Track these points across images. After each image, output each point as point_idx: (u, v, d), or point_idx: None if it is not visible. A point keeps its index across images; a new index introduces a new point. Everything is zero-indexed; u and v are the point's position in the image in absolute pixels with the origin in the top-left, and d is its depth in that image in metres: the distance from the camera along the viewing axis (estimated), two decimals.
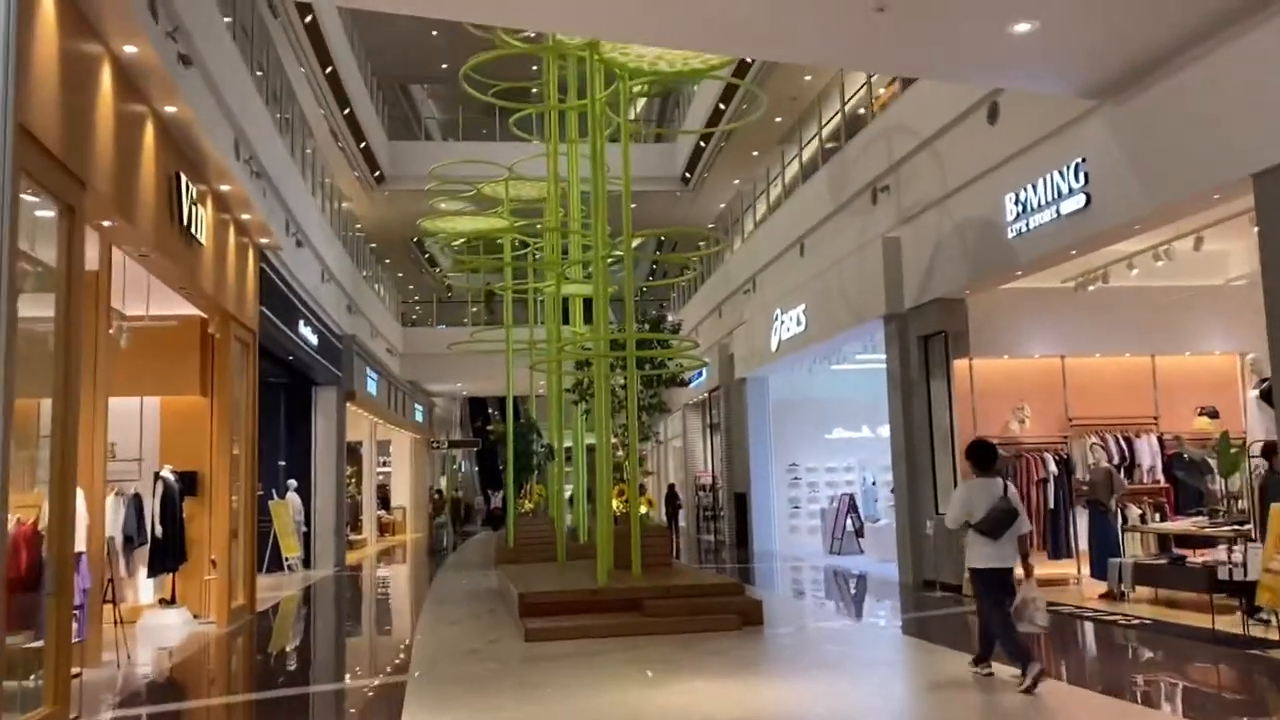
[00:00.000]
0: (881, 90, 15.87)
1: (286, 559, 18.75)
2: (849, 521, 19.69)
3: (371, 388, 24.87)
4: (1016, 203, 11.14)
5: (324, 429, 20.87)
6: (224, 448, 12.05)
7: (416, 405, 34.24)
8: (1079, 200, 10.04)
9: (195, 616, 11.71)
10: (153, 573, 11.58)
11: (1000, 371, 13.60)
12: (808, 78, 20.39)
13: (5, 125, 4.86)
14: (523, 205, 21.35)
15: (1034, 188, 10.80)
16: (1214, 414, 13.74)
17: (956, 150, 12.67)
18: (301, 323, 17.16)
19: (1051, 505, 13.24)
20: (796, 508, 22.18)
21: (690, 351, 12.99)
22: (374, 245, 31.46)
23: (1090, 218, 9.97)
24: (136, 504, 11.21)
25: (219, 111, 10.85)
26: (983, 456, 7.71)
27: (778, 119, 23.24)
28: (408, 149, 30.61)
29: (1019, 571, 7.48)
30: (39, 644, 6.47)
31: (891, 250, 14.20)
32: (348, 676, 9.70)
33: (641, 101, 32.46)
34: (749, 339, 21.50)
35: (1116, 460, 13.29)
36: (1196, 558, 11.08)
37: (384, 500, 33.64)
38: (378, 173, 28.42)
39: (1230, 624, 9.53)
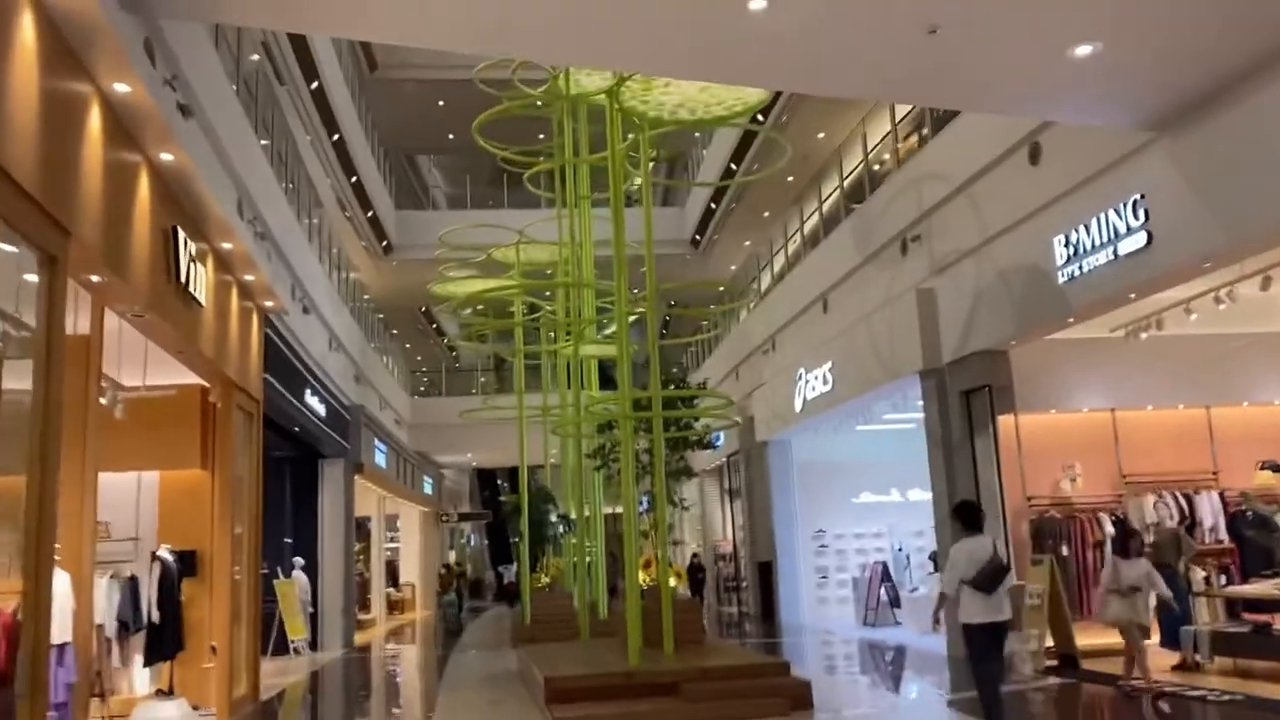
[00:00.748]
0: (901, 143, 15.37)
1: (293, 641, 17.81)
2: (883, 591, 18.72)
3: (380, 460, 24.09)
4: (1066, 245, 10.48)
5: (331, 503, 20.04)
6: (226, 525, 11.27)
7: (425, 477, 33.40)
8: (1139, 239, 9.38)
9: (195, 708, 10.80)
10: (149, 661, 10.71)
11: (1047, 427, 12.85)
12: (820, 135, 19.96)
13: None
14: (533, 269, 20.84)
15: (1086, 228, 10.14)
16: (1277, 468, 12.94)
17: (995, 194, 12.07)
18: (308, 392, 16.46)
19: None
20: (824, 577, 21.17)
21: (721, 408, 12.25)
22: (381, 315, 30.94)
23: (1153, 257, 9.30)
24: (132, 587, 10.39)
25: (220, 166, 10.29)
26: (970, 517, 8.13)
27: (790, 178, 22.81)
28: (415, 218, 30.27)
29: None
30: None
31: (926, 302, 13.52)
32: None
33: (650, 165, 32.28)
34: (770, 400, 20.74)
35: (1177, 519, 12.48)
36: (1277, 623, 10.24)
37: (393, 576, 32.62)
38: (385, 242, 28.01)
39: None
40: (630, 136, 12.99)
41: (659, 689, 9.72)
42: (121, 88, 6.69)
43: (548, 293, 20.65)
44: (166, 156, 7.79)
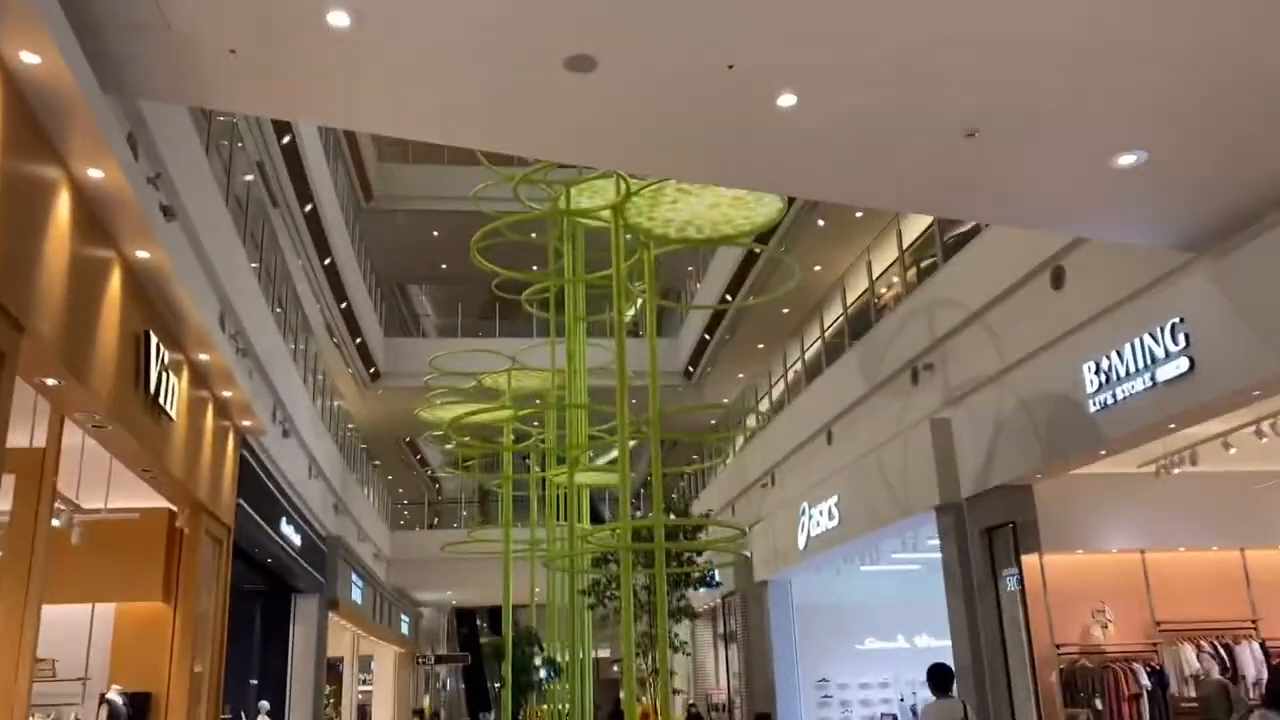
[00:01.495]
0: (909, 271, 15.03)
1: None
2: None
3: (356, 595, 22.87)
4: (1097, 373, 9.91)
5: (303, 641, 18.81)
6: (185, 664, 10.21)
7: (403, 616, 31.95)
8: (1180, 364, 8.80)
9: None
10: None
11: (1074, 568, 12.01)
12: (818, 268, 19.68)
13: None
14: (524, 396, 20.19)
15: (1119, 354, 9.58)
16: None
17: (1015, 320, 11.57)
18: (284, 520, 15.54)
19: None
20: None
21: (730, 540, 11.42)
22: (365, 445, 30.08)
23: (1195, 385, 8.70)
24: None
25: (203, 274, 9.70)
26: (941, 680, 8.50)
27: (785, 310, 22.48)
28: (404, 346, 29.79)
29: None
30: None
31: (942, 433, 12.87)
32: None
33: (640, 300, 32.15)
34: (770, 537, 19.82)
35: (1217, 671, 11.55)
36: None
37: None
38: (372, 369, 27.42)
39: None
40: (638, 254, 12.54)
41: None
42: (95, 173, 6.12)
43: (536, 422, 19.97)
44: (142, 254, 7.17)
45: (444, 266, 31.34)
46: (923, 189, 7.90)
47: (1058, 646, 11.67)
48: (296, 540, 16.53)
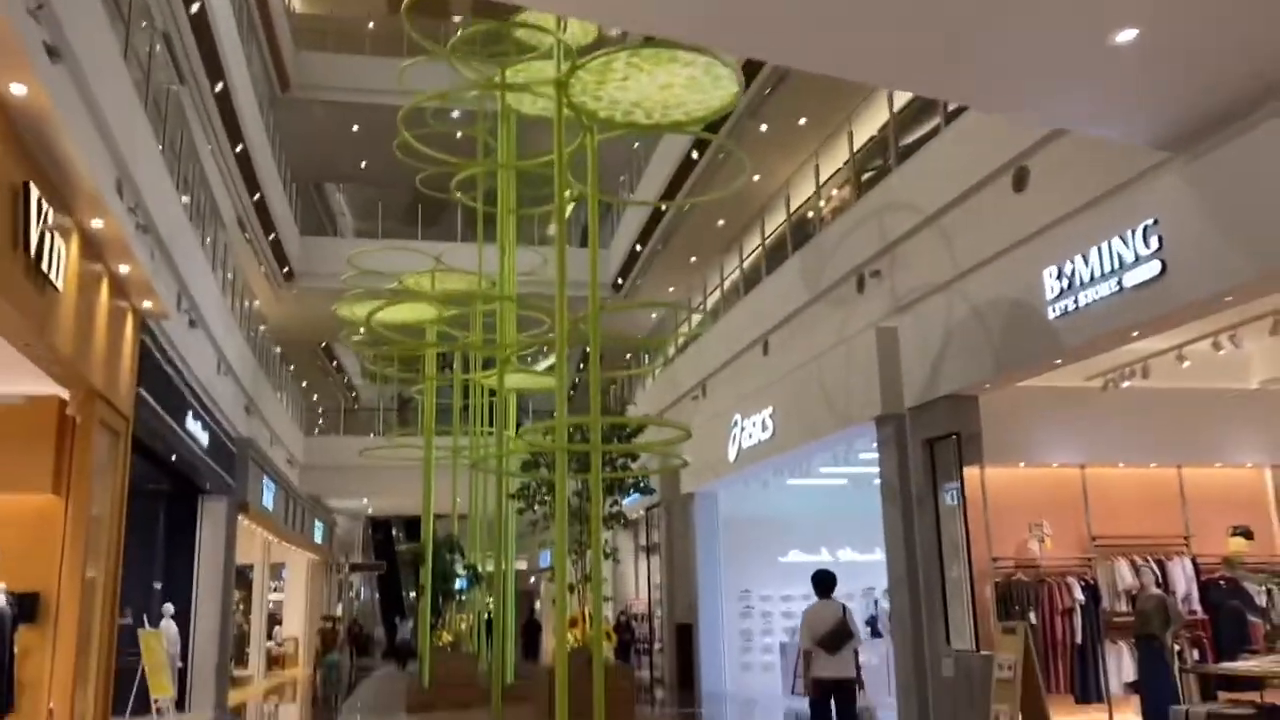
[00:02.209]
0: (846, 180, 14.48)
1: (155, 700, 15.63)
2: None
3: (268, 500, 22.01)
4: (1059, 277, 9.49)
5: (210, 545, 17.95)
6: (77, 563, 9.40)
7: (317, 522, 31.13)
8: (1151, 268, 8.41)
9: None
10: None
11: (1014, 482, 11.80)
12: (756, 178, 19.02)
13: None
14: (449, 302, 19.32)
15: (1084, 259, 9.16)
16: (1248, 534, 12.12)
17: (972, 225, 11.12)
18: (190, 416, 14.59)
19: (1079, 640, 11.32)
20: (749, 642, 19.79)
21: (672, 442, 10.90)
22: (279, 349, 28.87)
23: (1166, 289, 8.33)
24: None
25: (95, 132, 8.65)
26: (824, 584, 9.20)
27: (720, 222, 21.86)
28: (321, 245, 28.51)
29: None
30: None
31: (887, 341, 12.45)
32: None
33: (570, 206, 31.12)
34: (698, 449, 19.42)
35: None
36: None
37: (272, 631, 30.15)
38: (286, 268, 26.17)
39: None
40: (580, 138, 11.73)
41: None
42: None
43: (463, 327, 19.19)
44: (18, 88, 6.20)
45: (364, 165, 29.95)
46: (902, 61, 7.26)
47: (994, 560, 11.49)
48: (204, 439, 15.61)
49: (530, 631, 32.11)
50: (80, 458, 9.47)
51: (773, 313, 16.39)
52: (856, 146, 14.57)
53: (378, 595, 45.96)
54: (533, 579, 39.79)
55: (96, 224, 8.29)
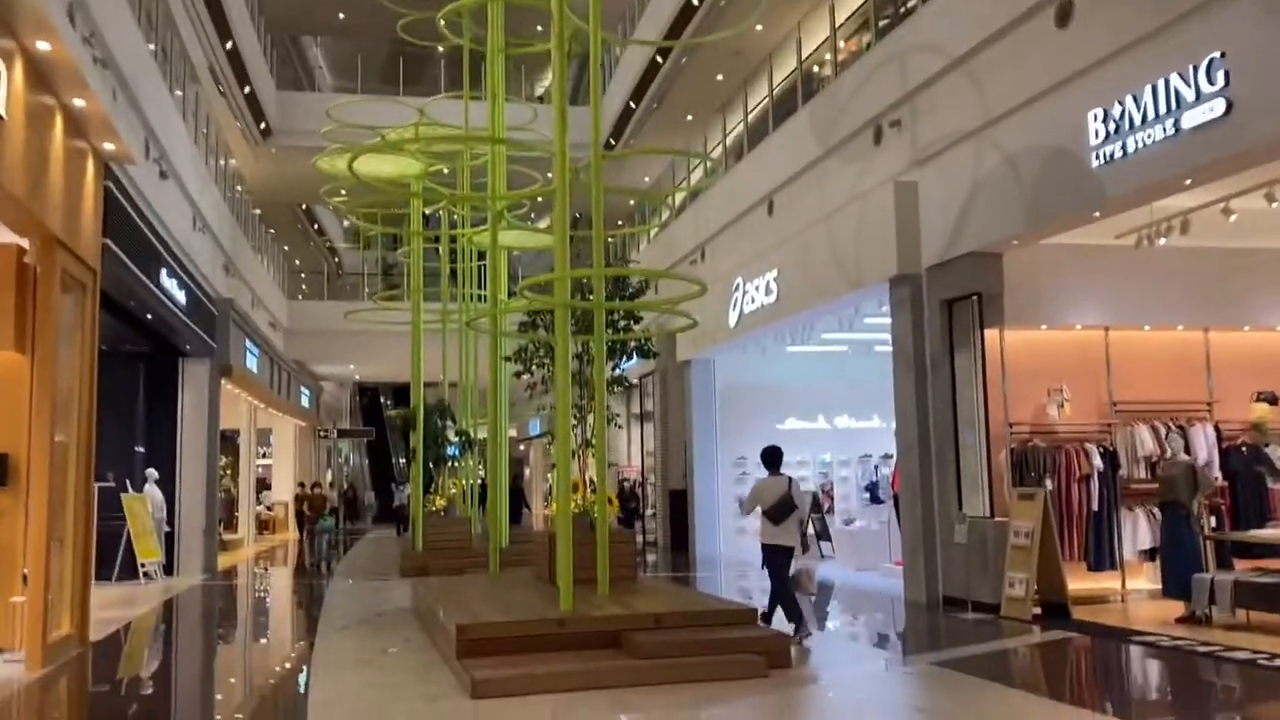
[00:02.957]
0: (881, 22, 13.41)
1: (143, 565, 15.36)
2: (811, 523, 17.20)
3: (252, 363, 21.41)
4: (1105, 120, 8.73)
5: (193, 408, 17.39)
6: (45, 421, 8.80)
7: (303, 389, 30.66)
8: (1215, 107, 7.65)
9: None
10: None
11: (1034, 345, 11.26)
12: (759, 27, 17.84)
13: None
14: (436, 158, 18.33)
15: (1135, 100, 8.38)
16: (1273, 399, 11.69)
17: (1005, 67, 10.23)
18: (165, 273, 13.81)
19: (1095, 507, 10.97)
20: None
21: (685, 298, 10.24)
22: (258, 210, 27.80)
23: (1231, 129, 7.59)
24: None
25: None
26: (772, 459, 9.44)
27: (719, 77, 20.71)
28: (299, 100, 27.08)
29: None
30: None
31: (906, 196, 11.70)
32: None
33: (570, 50, 29.63)
34: (697, 314, 18.80)
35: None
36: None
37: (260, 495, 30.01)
38: (264, 124, 24.87)
39: None
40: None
41: (599, 640, 7.84)
42: None
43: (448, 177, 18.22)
44: None
45: (342, 16, 28.30)
46: None
47: (1010, 425, 11.04)
48: (180, 297, 14.86)
49: (515, 498, 32.05)
50: (44, 311, 8.77)
51: (779, 170, 15.52)
52: None
53: (367, 461, 45.98)
54: (521, 446, 39.68)
55: (43, 47, 7.39)
